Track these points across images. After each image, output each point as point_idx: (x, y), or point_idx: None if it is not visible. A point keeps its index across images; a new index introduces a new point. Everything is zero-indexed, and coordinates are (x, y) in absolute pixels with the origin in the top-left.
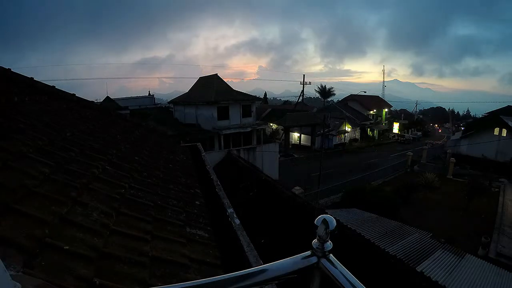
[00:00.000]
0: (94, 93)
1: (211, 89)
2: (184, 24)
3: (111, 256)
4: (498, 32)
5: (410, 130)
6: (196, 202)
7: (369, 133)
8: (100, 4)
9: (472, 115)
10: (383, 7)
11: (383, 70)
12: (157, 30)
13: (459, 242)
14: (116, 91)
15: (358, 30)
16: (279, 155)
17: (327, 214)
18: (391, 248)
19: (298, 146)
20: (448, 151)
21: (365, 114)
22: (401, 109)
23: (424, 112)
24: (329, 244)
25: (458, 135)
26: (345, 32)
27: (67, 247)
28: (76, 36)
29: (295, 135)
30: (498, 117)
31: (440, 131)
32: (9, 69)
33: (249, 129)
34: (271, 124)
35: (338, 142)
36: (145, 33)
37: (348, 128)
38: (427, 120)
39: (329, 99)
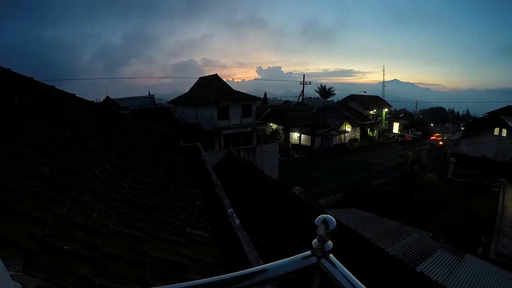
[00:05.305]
0: (94, 93)
1: (211, 89)
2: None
3: (111, 256)
4: None
5: (410, 130)
6: (196, 202)
7: (369, 133)
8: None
9: (472, 115)
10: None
11: (383, 70)
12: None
13: (459, 242)
14: (116, 91)
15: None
16: (279, 155)
17: (327, 214)
18: (391, 248)
19: (298, 146)
20: (448, 151)
21: (365, 114)
22: (401, 109)
23: (424, 112)
24: (329, 244)
25: (458, 135)
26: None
27: (67, 247)
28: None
29: (295, 135)
30: (498, 117)
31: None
32: (9, 69)
33: (249, 129)
34: (271, 124)
35: (338, 142)
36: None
37: (348, 128)
38: (427, 120)
39: (329, 99)
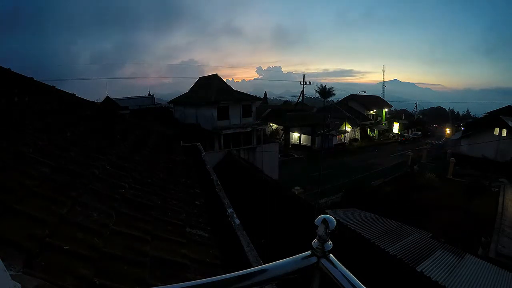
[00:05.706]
0: (94, 93)
1: (211, 89)
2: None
3: (111, 256)
4: None
5: (410, 130)
6: (196, 202)
7: (369, 133)
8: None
9: (472, 115)
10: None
11: (383, 70)
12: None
13: (459, 242)
14: (116, 91)
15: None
16: (279, 155)
17: (327, 214)
18: (391, 248)
19: (298, 146)
20: (448, 151)
21: (365, 114)
22: (401, 109)
23: (424, 112)
24: (329, 244)
25: (458, 135)
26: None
27: (67, 247)
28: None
29: (295, 135)
30: (498, 117)
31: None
32: (9, 69)
33: (249, 129)
34: (271, 124)
35: (338, 142)
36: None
37: (348, 128)
38: (427, 120)
39: (329, 99)
